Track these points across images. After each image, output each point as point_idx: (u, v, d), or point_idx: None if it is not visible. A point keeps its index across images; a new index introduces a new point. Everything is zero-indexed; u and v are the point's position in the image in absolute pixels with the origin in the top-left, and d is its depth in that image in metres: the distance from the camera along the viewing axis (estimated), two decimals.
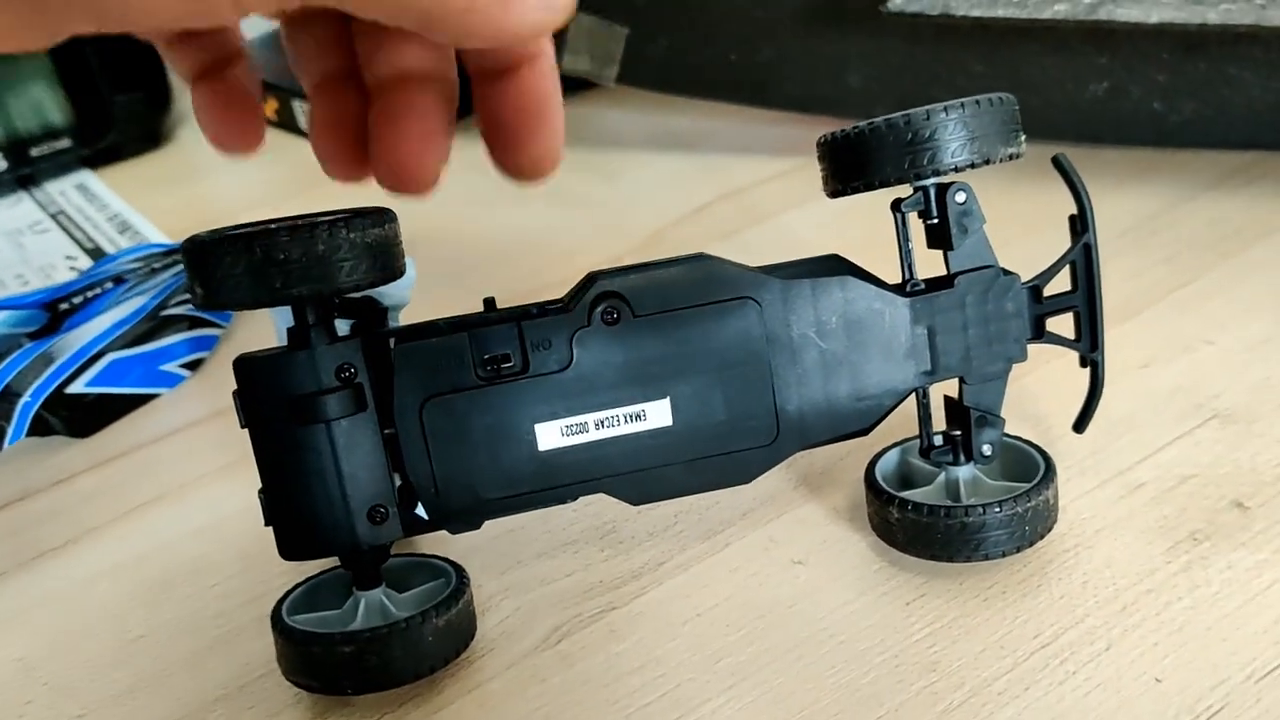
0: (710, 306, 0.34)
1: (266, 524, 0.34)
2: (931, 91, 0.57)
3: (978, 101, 0.34)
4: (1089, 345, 0.37)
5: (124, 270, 0.54)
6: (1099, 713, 0.32)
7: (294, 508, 0.33)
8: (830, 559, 0.38)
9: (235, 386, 0.33)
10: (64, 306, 0.51)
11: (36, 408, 0.46)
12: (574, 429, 0.34)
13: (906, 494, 0.37)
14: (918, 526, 0.36)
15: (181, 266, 0.54)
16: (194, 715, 0.35)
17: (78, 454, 0.48)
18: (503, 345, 0.34)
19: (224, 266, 0.30)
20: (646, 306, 0.34)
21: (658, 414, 0.35)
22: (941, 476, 0.38)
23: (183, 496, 0.45)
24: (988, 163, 0.34)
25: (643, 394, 0.34)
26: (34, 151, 0.68)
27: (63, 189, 0.68)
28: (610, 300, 0.34)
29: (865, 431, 0.36)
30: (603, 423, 0.34)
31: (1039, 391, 0.44)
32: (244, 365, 0.33)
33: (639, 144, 0.72)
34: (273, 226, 0.31)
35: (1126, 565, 0.37)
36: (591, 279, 0.34)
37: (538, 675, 0.35)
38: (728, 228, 0.60)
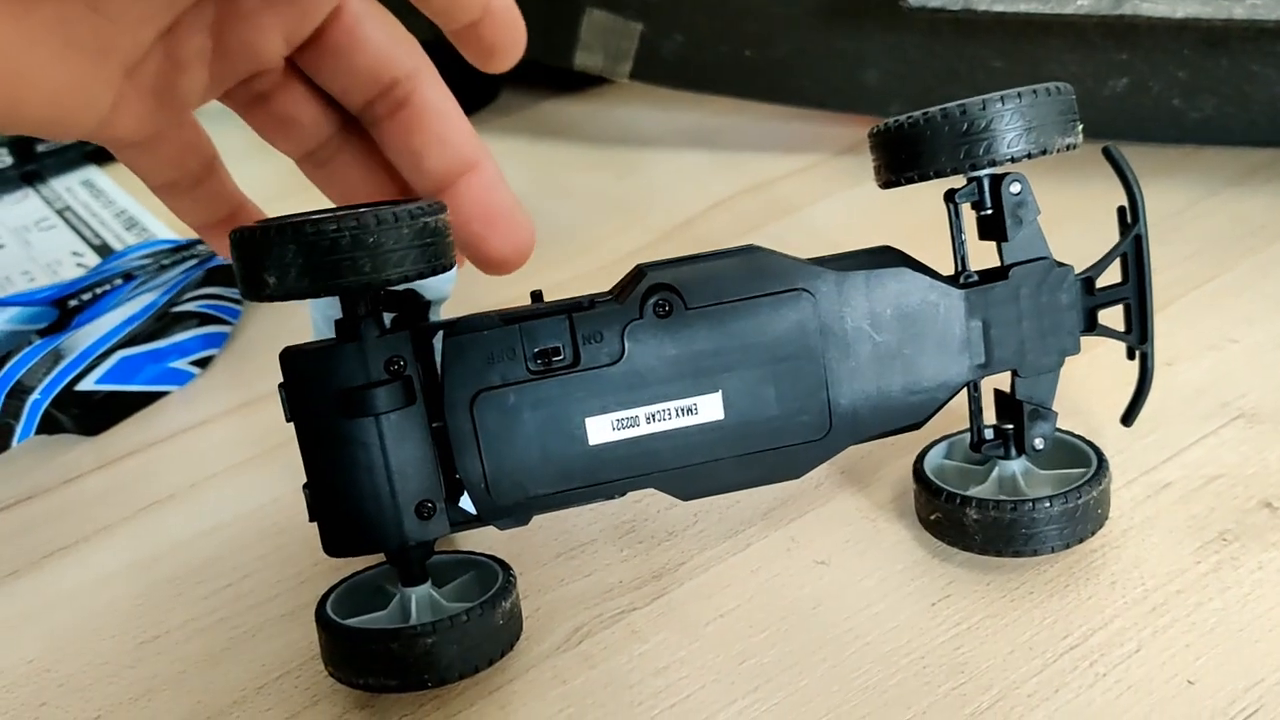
0: (763, 298, 0.34)
1: (311, 519, 0.33)
2: (950, 88, 0.57)
3: (1035, 91, 0.33)
4: (1139, 337, 0.37)
5: (133, 267, 0.54)
6: (1131, 715, 0.32)
7: (340, 503, 0.33)
8: (853, 559, 0.38)
9: (280, 379, 0.33)
10: (73, 303, 0.50)
11: (46, 405, 0.46)
12: (625, 423, 0.34)
13: (971, 491, 0.37)
14: (989, 523, 0.36)
15: (191, 263, 0.53)
16: (216, 714, 0.34)
17: (87, 452, 0.47)
18: (554, 338, 0.33)
19: (277, 257, 0.29)
20: (699, 298, 0.34)
21: (709, 407, 0.34)
22: (995, 472, 0.37)
23: (195, 495, 0.45)
24: (1044, 153, 0.34)
25: (695, 387, 0.34)
26: (40, 148, 0.67)
27: (69, 185, 0.67)
28: (663, 292, 0.33)
29: (918, 425, 0.36)
30: (654, 416, 0.34)
31: (1075, 383, 0.43)
32: (292, 357, 0.32)
33: (655, 140, 0.71)
34: (322, 216, 0.30)
35: (1155, 566, 0.36)
36: (641, 271, 0.34)
37: (559, 676, 0.35)
38: (750, 222, 0.60)
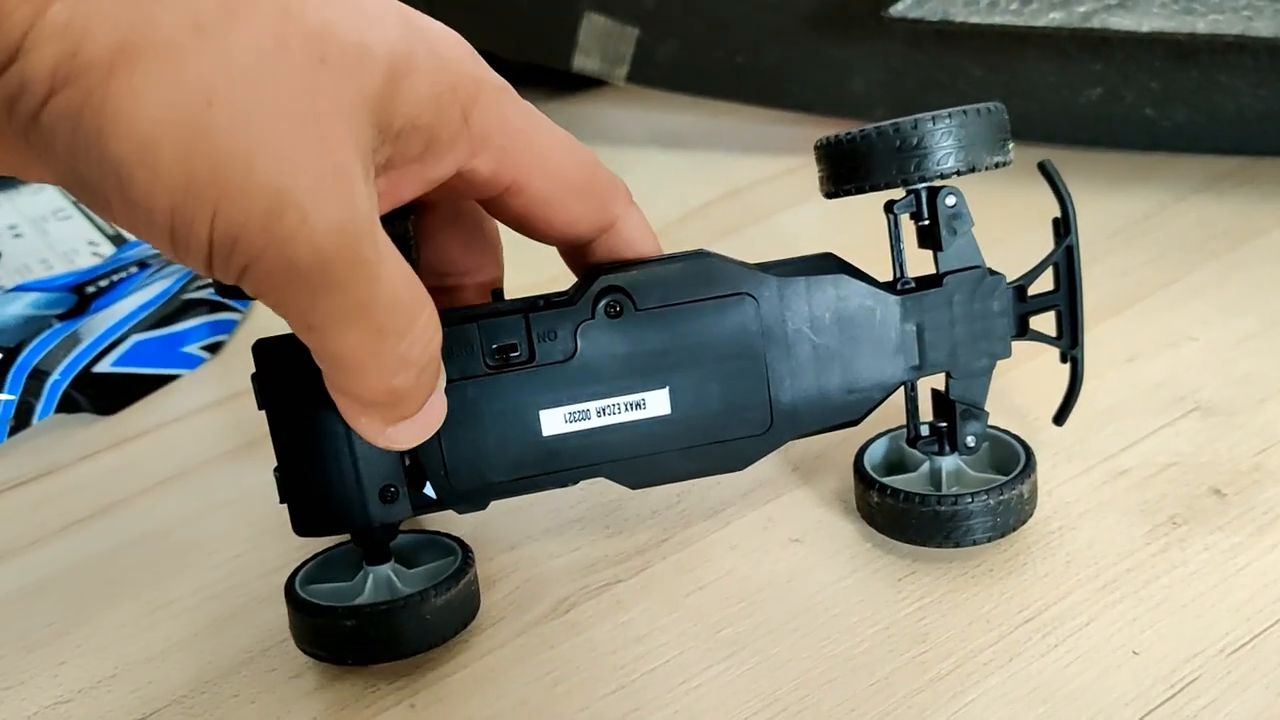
0: (709, 301, 0.36)
1: (281, 501, 0.35)
2: (931, 95, 0.59)
3: (965, 112, 0.35)
4: (1069, 342, 0.39)
5: (147, 255, 0.56)
6: (1079, 682, 0.34)
7: (308, 487, 0.35)
8: (826, 537, 0.40)
9: (253, 369, 0.35)
10: (91, 289, 0.53)
11: (65, 386, 0.48)
12: (577, 416, 0.36)
13: (890, 480, 0.39)
14: (897, 512, 0.38)
15: None
16: (222, 676, 0.37)
17: (103, 430, 0.49)
18: (510, 335, 0.35)
19: None
20: (648, 301, 0.35)
21: (657, 403, 0.36)
22: (926, 465, 0.40)
23: (205, 472, 0.47)
24: (974, 170, 0.36)
25: (643, 384, 0.36)
26: None
27: None
28: (614, 294, 0.35)
29: (855, 422, 0.38)
30: (604, 410, 0.36)
31: (1023, 386, 0.46)
32: (263, 348, 0.34)
33: (640, 142, 0.74)
34: None
35: (1108, 546, 0.38)
36: (595, 273, 0.35)
37: (546, 642, 0.37)
38: (727, 226, 0.62)
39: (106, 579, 0.41)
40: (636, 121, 0.76)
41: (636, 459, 0.36)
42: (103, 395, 0.50)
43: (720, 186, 0.65)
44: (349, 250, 0.26)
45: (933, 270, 0.37)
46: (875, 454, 0.41)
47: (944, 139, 0.35)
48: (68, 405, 0.49)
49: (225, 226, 0.25)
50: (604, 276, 0.35)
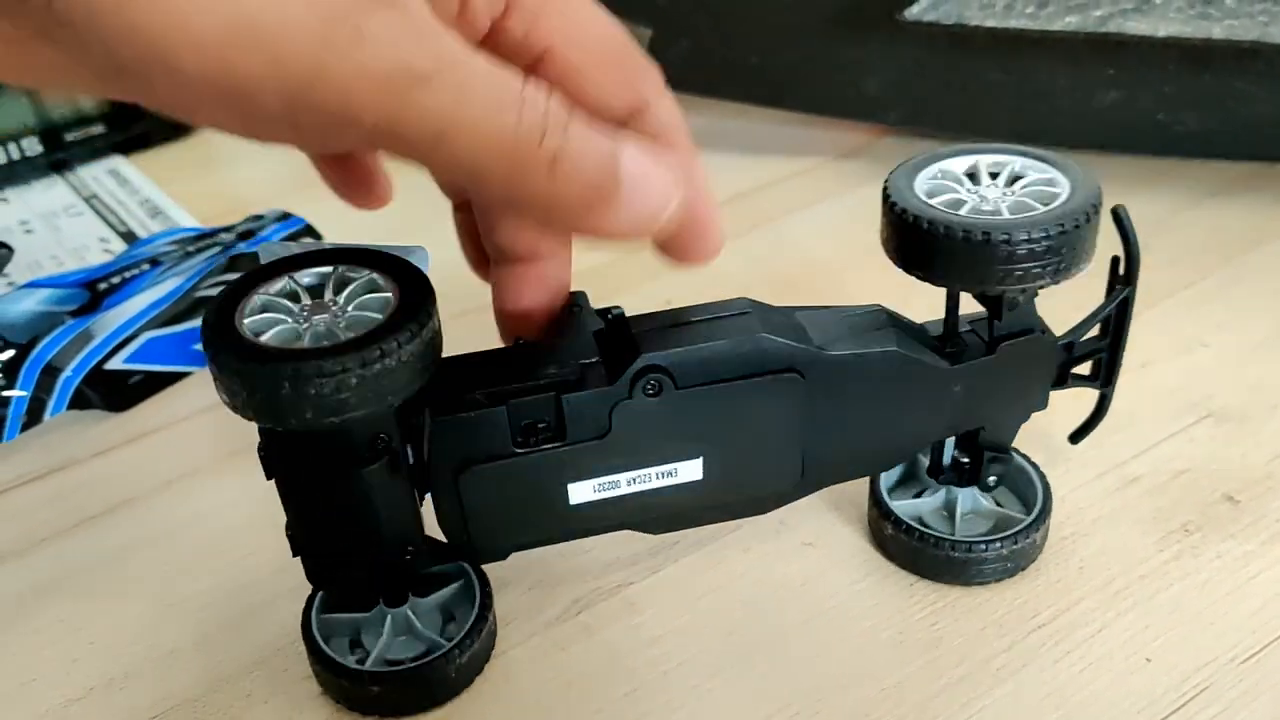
0: (753, 379, 0.33)
1: (294, 555, 0.34)
2: (945, 98, 0.59)
3: (1075, 224, 0.32)
4: (1103, 383, 0.38)
5: (159, 253, 0.56)
6: (1092, 689, 0.34)
7: (324, 547, 0.34)
8: (838, 542, 0.40)
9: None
10: (103, 286, 0.53)
11: (77, 383, 0.48)
12: (606, 486, 0.34)
13: (901, 509, 0.39)
14: (910, 548, 0.38)
15: (214, 250, 0.56)
16: (234, 676, 0.37)
17: (115, 427, 0.49)
18: (540, 414, 0.33)
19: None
20: (690, 379, 0.33)
21: (689, 471, 0.35)
22: (942, 492, 0.39)
23: (216, 471, 0.47)
24: (1056, 283, 0.33)
25: (676, 455, 0.34)
26: (68, 137, 0.69)
27: (95, 174, 0.69)
28: (654, 374, 0.33)
29: (884, 469, 0.38)
30: (634, 480, 0.34)
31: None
32: (274, 437, 0.32)
33: None
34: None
35: (1121, 553, 0.38)
36: (636, 351, 0.33)
37: (559, 644, 0.37)
38: (734, 229, 0.61)
39: (119, 576, 0.41)
40: None
41: (661, 516, 0.36)
42: (114, 392, 0.50)
43: (727, 190, 0.65)
44: (419, 44, 0.25)
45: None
46: (891, 473, 0.40)
47: (1041, 254, 0.32)
48: (80, 402, 0.49)
49: (290, 69, 0.23)
50: (645, 355, 0.33)
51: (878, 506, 0.39)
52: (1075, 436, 0.40)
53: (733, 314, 0.34)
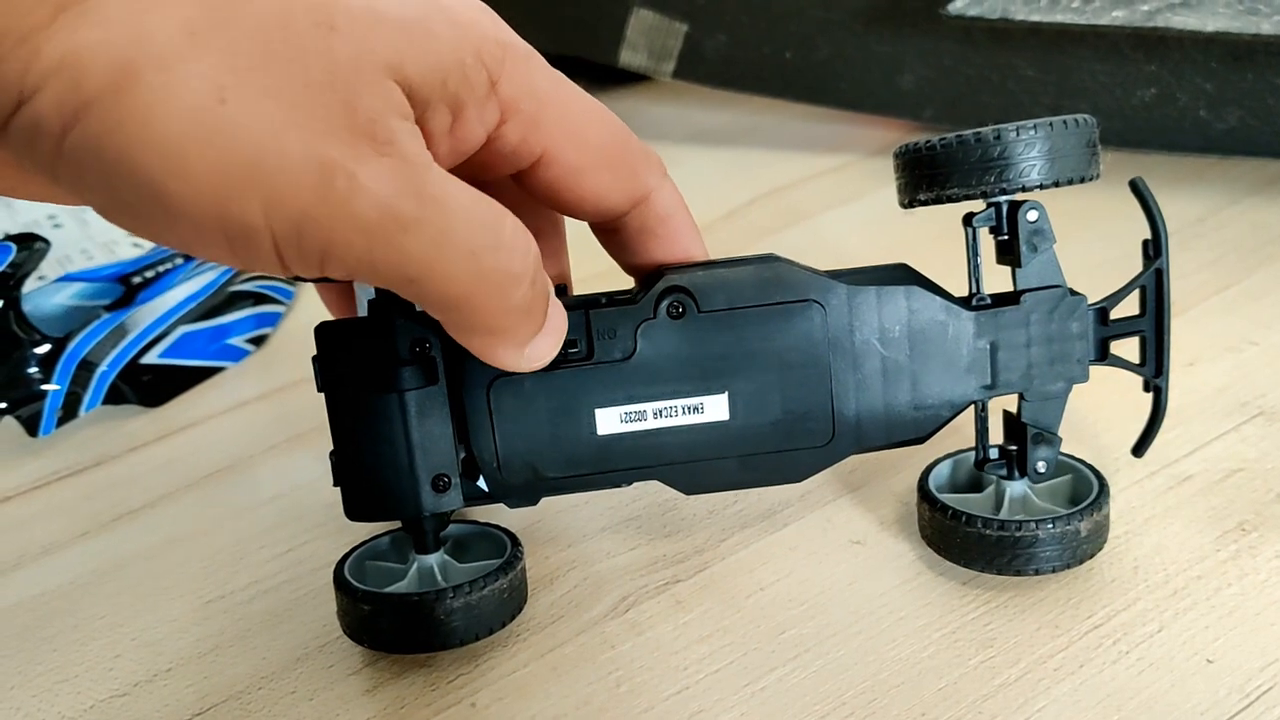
0: (775, 306, 0.35)
1: (335, 484, 0.35)
2: (982, 95, 0.58)
3: (1052, 123, 0.34)
4: (1154, 370, 0.37)
5: None
6: (1152, 691, 0.33)
7: (363, 471, 0.35)
8: (888, 539, 0.40)
9: (314, 352, 0.34)
10: (137, 280, 0.52)
11: (113, 378, 0.48)
12: (633, 416, 0.35)
13: (954, 500, 0.38)
14: (962, 535, 0.37)
15: None
16: (278, 673, 0.36)
17: (149, 423, 0.49)
18: (570, 331, 0.34)
19: None
20: (712, 303, 0.35)
21: (715, 408, 0.35)
22: (992, 488, 0.39)
23: (252, 467, 0.47)
24: (1059, 184, 0.35)
25: (702, 387, 0.35)
26: None
27: None
28: (677, 294, 0.34)
29: (921, 440, 0.37)
30: (661, 412, 0.35)
31: (1093, 404, 0.45)
32: (325, 332, 0.34)
33: (680, 140, 0.73)
34: None
35: (1176, 552, 0.38)
36: (660, 273, 0.35)
37: (608, 641, 0.36)
38: (767, 226, 0.62)
39: (159, 572, 0.41)
40: (676, 119, 0.76)
41: (691, 464, 0.36)
42: (149, 387, 0.49)
43: (761, 186, 0.65)
44: (408, 189, 0.26)
45: (1009, 288, 0.36)
46: (940, 476, 0.40)
47: (1029, 150, 0.34)
48: (114, 397, 0.48)
49: (282, 213, 0.24)
50: (668, 276, 0.35)
51: (925, 499, 0.38)
52: (1137, 448, 0.39)
53: (756, 255, 0.36)
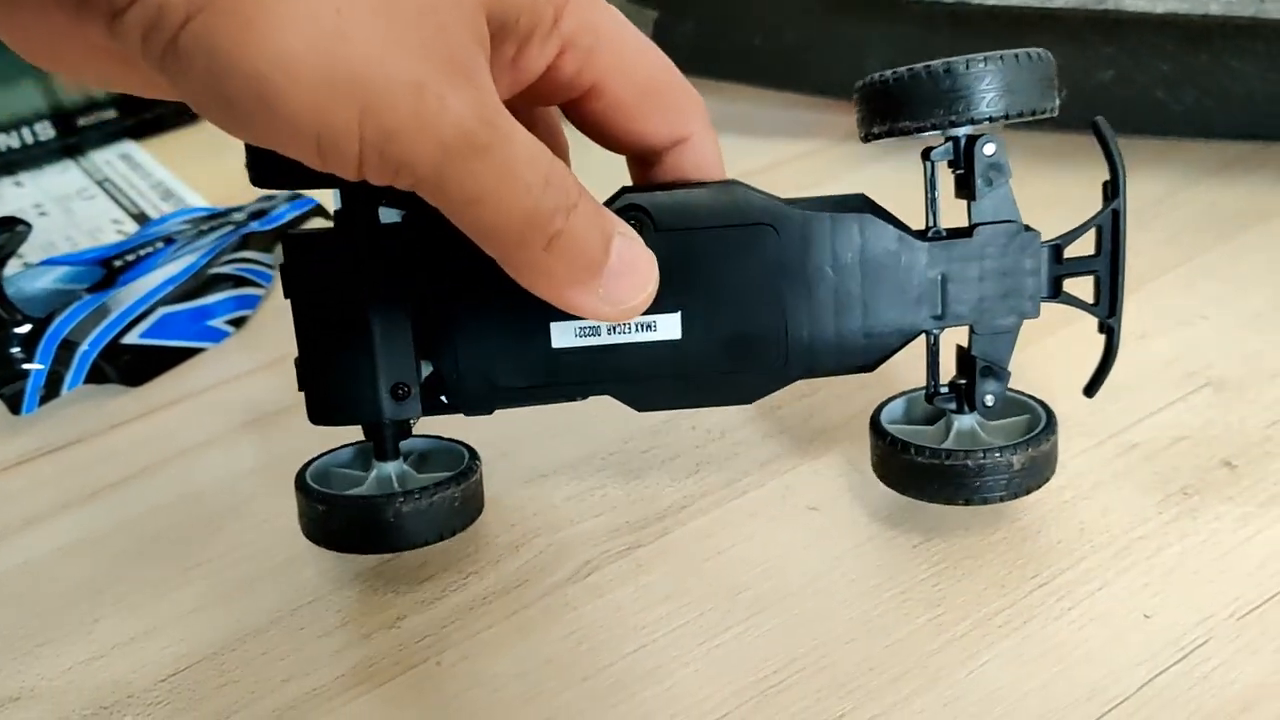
0: (729, 229, 0.35)
1: (299, 389, 0.36)
2: None
3: (1015, 55, 0.34)
4: (1106, 310, 0.38)
5: (173, 231, 0.57)
6: (1092, 644, 0.35)
7: (326, 377, 0.36)
8: (843, 506, 0.41)
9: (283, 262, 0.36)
10: (119, 263, 0.53)
11: (94, 357, 0.49)
12: (587, 331, 0.36)
13: (902, 432, 0.38)
14: (900, 463, 0.37)
15: (227, 229, 0.57)
16: (254, 633, 0.38)
17: (131, 401, 0.50)
18: None
19: None
20: (668, 223, 0.35)
21: (667, 327, 0.36)
22: (941, 422, 0.39)
23: (230, 442, 0.48)
24: (1020, 116, 0.34)
25: (655, 305, 0.34)
26: (81, 122, 0.70)
27: (108, 158, 0.70)
28: (635, 213, 0.35)
29: (870, 368, 0.38)
30: (614, 328, 0.36)
31: (1044, 356, 0.46)
32: (293, 242, 0.35)
33: None
34: None
35: (1121, 515, 0.39)
36: (622, 192, 0.36)
37: (570, 604, 0.38)
38: None
39: (140, 540, 0.42)
40: None
41: (643, 381, 0.37)
42: (130, 367, 0.51)
43: (731, 171, 0.65)
44: (486, 119, 0.27)
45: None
46: (895, 411, 0.40)
47: (979, 82, 0.34)
48: (96, 376, 0.50)
49: (375, 123, 0.26)
50: (628, 195, 0.35)
51: (876, 432, 0.38)
52: (1089, 388, 0.39)
53: (720, 180, 0.36)
